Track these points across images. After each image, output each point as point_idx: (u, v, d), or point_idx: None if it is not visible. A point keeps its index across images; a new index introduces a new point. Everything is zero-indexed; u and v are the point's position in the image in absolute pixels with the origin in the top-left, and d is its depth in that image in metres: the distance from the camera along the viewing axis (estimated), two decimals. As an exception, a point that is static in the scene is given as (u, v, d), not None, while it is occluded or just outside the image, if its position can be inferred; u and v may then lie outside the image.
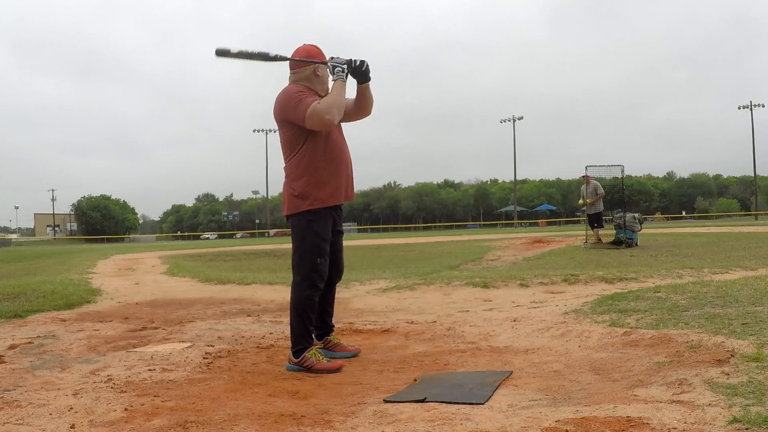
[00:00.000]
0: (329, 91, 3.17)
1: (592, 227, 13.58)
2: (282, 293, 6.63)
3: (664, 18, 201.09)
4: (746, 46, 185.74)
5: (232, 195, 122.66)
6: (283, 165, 3.26)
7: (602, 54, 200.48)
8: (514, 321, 4.18)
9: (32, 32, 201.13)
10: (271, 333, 4.19)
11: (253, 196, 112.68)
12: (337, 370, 3.08)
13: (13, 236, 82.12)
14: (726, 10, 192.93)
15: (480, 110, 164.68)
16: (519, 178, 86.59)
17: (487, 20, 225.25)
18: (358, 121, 3.43)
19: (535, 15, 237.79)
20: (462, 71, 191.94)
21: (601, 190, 13.43)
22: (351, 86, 3.22)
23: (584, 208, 13.95)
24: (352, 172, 3.34)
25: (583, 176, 13.66)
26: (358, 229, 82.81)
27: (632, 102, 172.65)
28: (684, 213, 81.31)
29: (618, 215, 13.16)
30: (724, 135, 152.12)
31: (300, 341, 3.15)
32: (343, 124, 3.33)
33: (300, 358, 3.10)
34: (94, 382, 2.83)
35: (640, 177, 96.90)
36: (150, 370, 3.09)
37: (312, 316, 3.20)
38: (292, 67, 3.24)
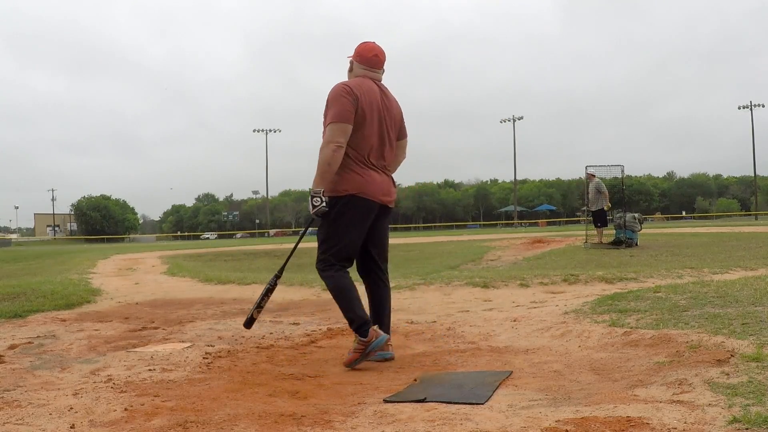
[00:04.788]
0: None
1: (596, 226, 13.53)
2: (281, 293, 6.63)
3: (685, 8, 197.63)
4: (764, 42, 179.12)
5: (232, 195, 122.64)
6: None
7: (617, 49, 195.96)
8: (514, 321, 4.18)
9: (25, 25, 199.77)
10: (271, 333, 4.19)
11: (253, 196, 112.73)
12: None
13: (13, 236, 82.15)
14: (750, 0, 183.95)
15: (485, 108, 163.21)
16: (519, 178, 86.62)
17: (499, 13, 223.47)
18: None
19: (548, 7, 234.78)
20: (470, 67, 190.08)
21: (604, 189, 13.30)
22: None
23: (584, 208, 13.94)
24: None
25: (590, 175, 13.53)
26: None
27: (641, 100, 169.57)
28: (684, 213, 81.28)
29: (618, 215, 13.16)
30: (725, 135, 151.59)
31: None
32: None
33: None
34: (94, 382, 2.83)
35: (640, 177, 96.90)
36: (150, 370, 3.10)
37: None
38: (378, 66, 3.34)
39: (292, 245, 3.42)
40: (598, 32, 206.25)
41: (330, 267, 3.24)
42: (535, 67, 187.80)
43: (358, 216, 3.20)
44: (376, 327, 3.19)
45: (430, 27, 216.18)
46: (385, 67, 3.36)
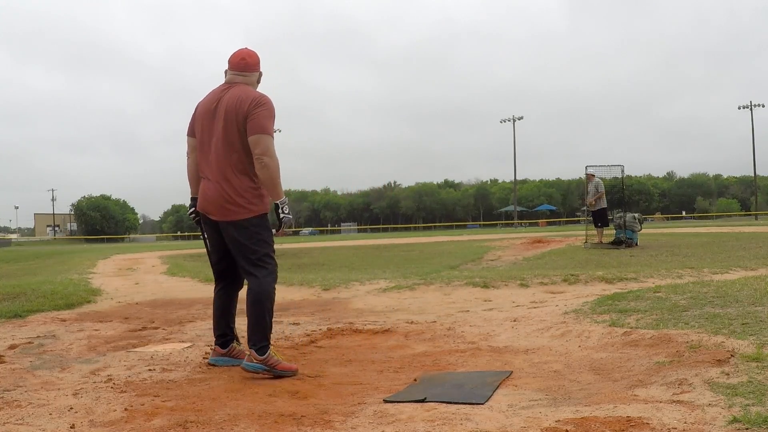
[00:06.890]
0: None
1: (596, 226, 13.51)
2: (281, 293, 6.61)
3: (696, 3, 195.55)
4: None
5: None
6: (235, 161, 3.09)
7: (624, 46, 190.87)
8: (514, 321, 4.18)
9: (22, 21, 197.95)
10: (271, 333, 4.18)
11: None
12: (296, 371, 3.00)
13: (13, 236, 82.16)
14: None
15: (488, 107, 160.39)
16: (519, 178, 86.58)
17: (505, 9, 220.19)
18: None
19: (556, 4, 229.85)
20: (474, 64, 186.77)
21: (601, 188, 13.29)
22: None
23: (584, 207, 13.91)
24: None
25: (589, 174, 13.50)
26: (358, 229, 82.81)
27: (645, 99, 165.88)
28: (684, 213, 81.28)
29: (618, 215, 13.15)
30: (725, 135, 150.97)
31: (268, 337, 3.04)
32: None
33: (266, 356, 2.96)
34: (94, 382, 2.83)
35: (640, 177, 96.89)
36: (150, 370, 3.10)
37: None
38: (246, 69, 3.22)
39: (292, 245, 3.41)
40: (605, 29, 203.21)
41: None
42: (540, 65, 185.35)
43: (203, 227, 3.38)
44: (214, 347, 3.40)
45: (435, 24, 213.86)
46: (262, 70, 3.31)
